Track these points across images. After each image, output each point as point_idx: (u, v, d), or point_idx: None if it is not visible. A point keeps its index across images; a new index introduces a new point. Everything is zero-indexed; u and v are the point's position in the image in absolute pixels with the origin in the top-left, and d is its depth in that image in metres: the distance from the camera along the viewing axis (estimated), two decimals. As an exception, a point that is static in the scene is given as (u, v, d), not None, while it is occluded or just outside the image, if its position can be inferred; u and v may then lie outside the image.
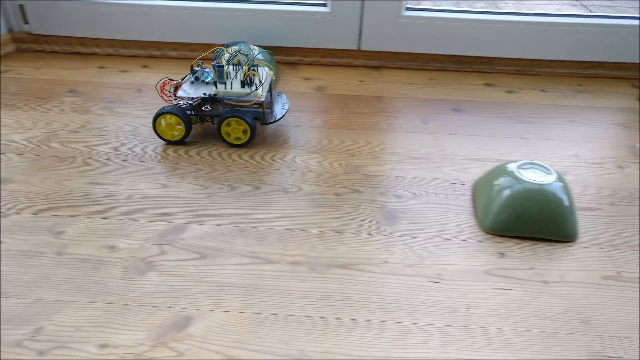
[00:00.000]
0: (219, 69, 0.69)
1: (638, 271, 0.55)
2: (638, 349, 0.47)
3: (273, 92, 0.77)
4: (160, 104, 0.74)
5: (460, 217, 0.62)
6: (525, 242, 0.58)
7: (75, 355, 0.43)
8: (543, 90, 0.92)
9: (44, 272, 0.51)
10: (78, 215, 0.58)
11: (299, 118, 0.81)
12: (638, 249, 0.58)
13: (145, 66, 0.94)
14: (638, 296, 0.52)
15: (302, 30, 0.96)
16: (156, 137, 0.72)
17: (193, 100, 0.70)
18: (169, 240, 0.56)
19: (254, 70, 0.70)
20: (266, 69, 0.73)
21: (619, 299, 0.51)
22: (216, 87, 0.70)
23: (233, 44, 0.73)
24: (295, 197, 0.64)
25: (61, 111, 0.79)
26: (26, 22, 0.98)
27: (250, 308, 0.49)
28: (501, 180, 0.61)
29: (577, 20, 0.95)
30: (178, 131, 0.71)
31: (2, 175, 0.64)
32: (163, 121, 0.71)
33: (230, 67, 0.70)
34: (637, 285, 0.53)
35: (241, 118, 0.70)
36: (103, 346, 0.44)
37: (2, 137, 0.72)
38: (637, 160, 0.73)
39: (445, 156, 0.73)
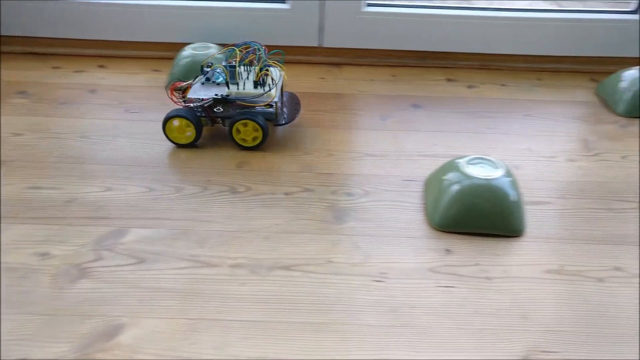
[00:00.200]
0: (231, 69, 0.68)
1: (580, 264, 0.55)
2: (575, 342, 0.47)
3: (284, 92, 0.76)
4: (114, 105, 0.72)
5: (410, 214, 0.61)
6: (473, 238, 0.58)
7: (-2, 367, 0.42)
8: (503, 85, 0.92)
9: (-27, 282, 0.50)
10: (13, 221, 0.57)
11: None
12: (583, 242, 0.58)
13: (102, 66, 0.92)
14: (578, 289, 0.52)
15: (262, 28, 0.95)
16: (104, 138, 0.71)
17: (204, 101, 0.68)
18: (107, 245, 0.55)
19: (267, 70, 0.68)
20: (277, 69, 0.72)
21: (559, 293, 0.51)
22: (228, 88, 0.69)
23: (245, 44, 0.70)
24: (243, 197, 0.63)
25: (6, 113, 0.77)
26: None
27: (185, 314, 0.48)
28: (449, 176, 0.60)
29: (537, 15, 0.95)
30: (189, 133, 0.70)
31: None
32: (174, 124, 0.69)
33: (242, 67, 0.68)
34: (578, 278, 0.53)
35: (254, 120, 0.68)
36: None
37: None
38: (589, 154, 0.73)
39: (401, 153, 0.72)
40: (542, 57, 0.97)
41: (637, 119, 0.82)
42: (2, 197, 0.61)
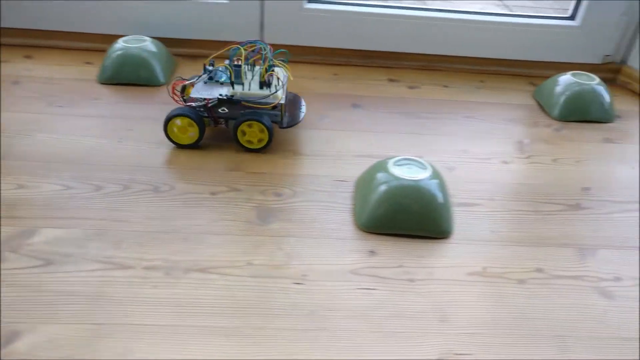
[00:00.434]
0: (236, 68, 0.65)
1: (503, 266, 0.55)
2: (491, 344, 0.46)
3: (288, 93, 0.74)
4: (37, 98, 0.68)
5: (338, 215, 0.60)
6: (399, 240, 0.57)
7: None
8: (445, 86, 0.93)
9: None
10: None
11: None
12: (507, 244, 0.58)
13: (28, 57, 0.88)
14: (498, 291, 0.52)
15: (201, 22, 0.93)
16: (22, 133, 0.67)
17: (208, 101, 0.65)
18: (12, 246, 0.51)
19: (273, 70, 0.66)
20: (282, 69, 0.69)
21: (480, 295, 0.51)
22: (233, 88, 0.66)
23: (249, 42, 0.67)
24: (166, 196, 0.60)
25: None
26: None
27: (90, 318, 0.45)
28: (377, 177, 0.60)
29: (482, 18, 0.95)
30: (192, 133, 0.67)
31: None
32: (176, 123, 0.66)
33: (246, 66, 0.66)
34: (500, 280, 0.53)
35: (259, 121, 0.66)
36: None
37: None
38: (522, 156, 0.74)
39: (335, 153, 0.71)
40: (485, 60, 0.98)
41: (571, 123, 0.84)
42: None
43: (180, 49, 0.93)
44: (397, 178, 0.58)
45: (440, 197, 0.58)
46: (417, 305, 0.50)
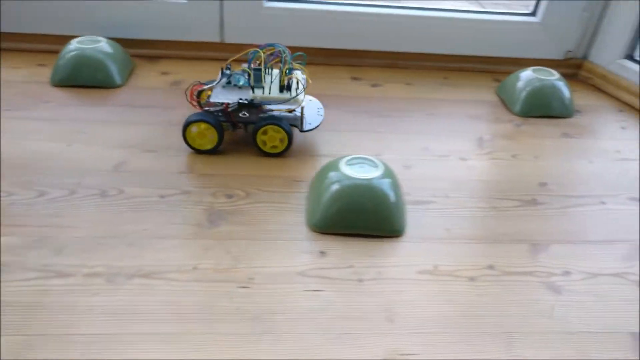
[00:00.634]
0: (256, 72, 0.64)
1: (454, 264, 0.54)
2: (438, 343, 0.46)
3: (305, 97, 0.72)
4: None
5: (290, 216, 0.59)
6: (351, 240, 0.56)
7: None
8: (408, 84, 0.92)
9: None
10: None
11: (142, 114, 0.75)
12: (460, 241, 0.57)
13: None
14: (448, 289, 0.51)
15: (160, 22, 0.91)
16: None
17: (229, 106, 0.64)
18: (-55, 255, 0.50)
19: (292, 74, 0.65)
20: (301, 72, 0.68)
21: (429, 294, 0.51)
22: (253, 92, 0.65)
23: (268, 45, 0.66)
24: (114, 201, 0.59)
25: None
26: None
27: (22, 329, 0.44)
28: (328, 177, 0.59)
29: (445, 15, 0.95)
30: (210, 140, 0.66)
31: None
32: (194, 129, 0.65)
33: (267, 70, 0.65)
34: (450, 278, 0.53)
35: (279, 125, 0.65)
36: None
37: None
38: (482, 153, 0.74)
39: (293, 152, 0.70)
40: (448, 57, 0.98)
41: (532, 118, 0.84)
42: None
43: (138, 49, 0.92)
44: (348, 177, 0.57)
45: (392, 196, 0.58)
46: (364, 306, 0.49)
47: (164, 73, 0.88)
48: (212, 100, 0.65)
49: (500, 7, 1.86)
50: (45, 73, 0.83)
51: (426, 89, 0.91)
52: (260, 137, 0.67)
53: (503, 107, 0.87)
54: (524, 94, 0.85)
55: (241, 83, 0.67)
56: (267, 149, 0.68)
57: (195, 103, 0.66)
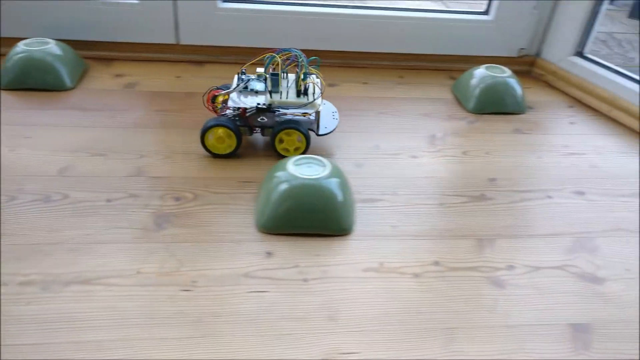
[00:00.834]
0: (274, 77, 0.65)
1: (399, 261, 0.55)
2: (380, 341, 0.46)
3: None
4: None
5: (238, 217, 0.59)
6: (298, 239, 0.56)
7: None
8: (365, 83, 0.93)
9: None
10: None
11: (92, 117, 0.74)
12: (406, 238, 0.58)
13: None
14: (393, 286, 0.52)
15: (112, 23, 0.89)
16: None
17: (247, 110, 0.64)
18: None
19: (309, 78, 0.66)
20: (316, 76, 0.69)
21: (372, 292, 0.51)
22: (271, 97, 0.65)
23: (284, 50, 0.66)
24: (57, 206, 0.58)
25: None
26: None
27: (-48, 340, 0.43)
28: (277, 177, 0.59)
29: (401, 14, 0.96)
30: (229, 144, 0.66)
31: None
32: (212, 134, 0.66)
33: (282, 74, 0.66)
34: (395, 275, 0.53)
35: (297, 129, 0.65)
36: None
37: None
38: (433, 150, 0.75)
39: (244, 153, 0.70)
40: (404, 55, 0.98)
41: (485, 115, 0.85)
42: None
43: (91, 51, 0.90)
44: (296, 177, 0.57)
45: (339, 195, 0.58)
46: (307, 306, 0.49)
47: (118, 75, 0.87)
48: (230, 105, 0.66)
49: (463, 6, 1.89)
50: (-9, 76, 0.80)
51: (382, 88, 0.92)
52: (279, 141, 0.67)
53: (457, 104, 0.88)
54: (477, 91, 0.86)
55: (257, 88, 0.68)
56: (285, 152, 0.68)
57: (211, 108, 0.67)
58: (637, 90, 0.84)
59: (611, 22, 2.00)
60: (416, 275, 0.54)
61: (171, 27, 0.91)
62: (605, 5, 0.90)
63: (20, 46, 0.79)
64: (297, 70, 0.67)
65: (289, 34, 0.93)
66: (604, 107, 0.88)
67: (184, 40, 0.92)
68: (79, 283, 0.49)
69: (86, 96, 0.80)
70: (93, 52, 0.91)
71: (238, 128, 0.66)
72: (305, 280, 0.52)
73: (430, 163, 0.72)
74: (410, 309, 0.50)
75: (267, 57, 0.66)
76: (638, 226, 0.63)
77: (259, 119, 0.67)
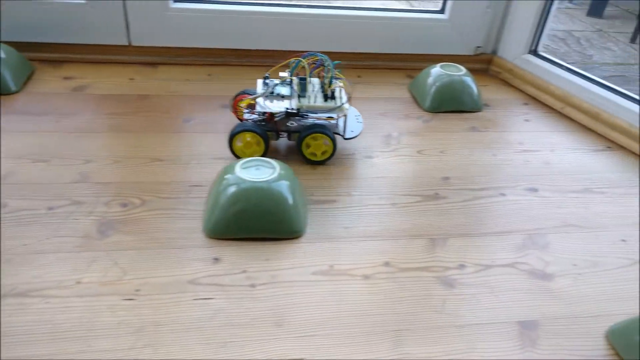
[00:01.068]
0: (302, 81, 0.66)
1: (350, 262, 0.54)
2: (328, 345, 0.45)
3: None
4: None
5: (186, 223, 0.57)
6: (247, 244, 0.55)
7: None
8: (323, 83, 0.92)
9: None
10: None
11: (36, 122, 0.72)
12: (357, 239, 0.58)
13: None
14: (342, 289, 0.51)
15: (59, 24, 0.87)
16: None
17: (275, 115, 0.63)
18: None
19: (337, 82, 0.65)
20: (341, 80, 0.68)
21: (322, 295, 0.50)
22: (299, 101, 0.64)
23: (310, 54, 0.65)
24: (-6, 215, 0.55)
25: None
26: None
27: None
28: (224, 180, 0.57)
29: (357, 13, 0.95)
30: (257, 149, 0.66)
31: None
32: (240, 140, 0.65)
33: (310, 79, 0.66)
34: (345, 277, 0.52)
35: (325, 134, 0.65)
36: None
37: None
38: (387, 150, 0.74)
39: (194, 157, 0.69)
40: (362, 54, 0.98)
41: (441, 114, 0.86)
42: None
43: (38, 53, 0.87)
44: (243, 180, 0.56)
45: (289, 198, 0.57)
46: (254, 312, 0.48)
47: (67, 78, 0.84)
48: (258, 109, 0.66)
49: (429, 6, 1.91)
50: None
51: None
52: (305, 146, 0.67)
53: (414, 103, 0.88)
54: (433, 89, 0.86)
55: (284, 92, 0.67)
56: (312, 157, 0.68)
57: (239, 113, 0.68)
58: (588, 87, 0.86)
59: (570, 20, 2.05)
60: (366, 277, 0.53)
61: (122, 27, 0.88)
62: (556, 5, 0.91)
63: (-40, 49, 0.76)
64: (324, 74, 0.67)
65: (243, 34, 0.92)
66: (557, 104, 0.89)
67: (136, 42, 0.90)
68: (13, 296, 0.47)
69: (31, 100, 0.77)
70: (41, 54, 0.88)
71: (266, 133, 0.66)
72: (252, 285, 0.51)
73: (384, 163, 0.72)
74: (359, 311, 0.49)
75: (293, 62, 0.66)
76: (586, 222, 0.64)
77: (287, 124, 0.67)
